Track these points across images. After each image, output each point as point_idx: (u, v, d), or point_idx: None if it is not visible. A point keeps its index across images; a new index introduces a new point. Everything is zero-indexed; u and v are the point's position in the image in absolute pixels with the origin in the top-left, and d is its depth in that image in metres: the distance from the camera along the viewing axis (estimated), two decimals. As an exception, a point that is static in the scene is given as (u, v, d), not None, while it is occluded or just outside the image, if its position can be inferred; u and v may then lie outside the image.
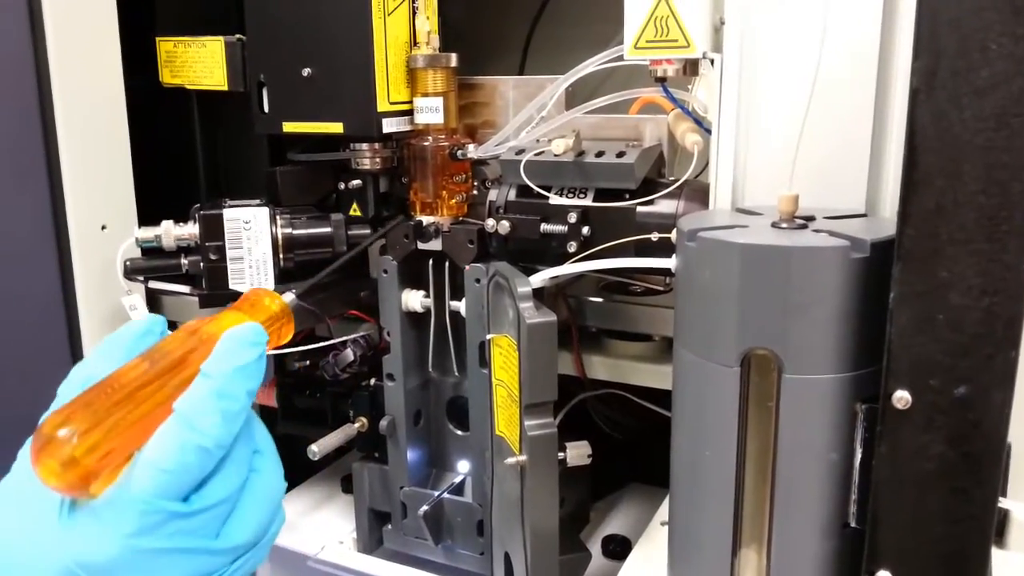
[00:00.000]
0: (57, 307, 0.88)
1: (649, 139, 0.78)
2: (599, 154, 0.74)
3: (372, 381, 0.90)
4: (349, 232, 0.84)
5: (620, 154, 0.73)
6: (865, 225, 0.54)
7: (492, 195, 0.81)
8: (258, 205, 0.83)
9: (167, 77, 0.90)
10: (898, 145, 0.53)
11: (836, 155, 0.58)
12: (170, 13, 0.93)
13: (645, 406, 0.84)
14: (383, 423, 0.87)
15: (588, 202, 0.76)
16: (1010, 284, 0.43)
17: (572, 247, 0.75)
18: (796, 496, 0.53)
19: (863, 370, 0.50)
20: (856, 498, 0.51)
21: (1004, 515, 0.55)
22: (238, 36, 0.85)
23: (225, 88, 0.87)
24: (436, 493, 0.88)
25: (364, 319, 0.91)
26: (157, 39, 0.90)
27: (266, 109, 0.83)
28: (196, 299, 0.86)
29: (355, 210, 0.86)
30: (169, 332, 0.48)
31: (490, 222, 0.79)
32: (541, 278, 0.73)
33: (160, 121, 0.96)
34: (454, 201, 0.81)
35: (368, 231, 0.85)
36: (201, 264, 0.82)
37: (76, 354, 0.89)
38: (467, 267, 0.81)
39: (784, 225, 0.53)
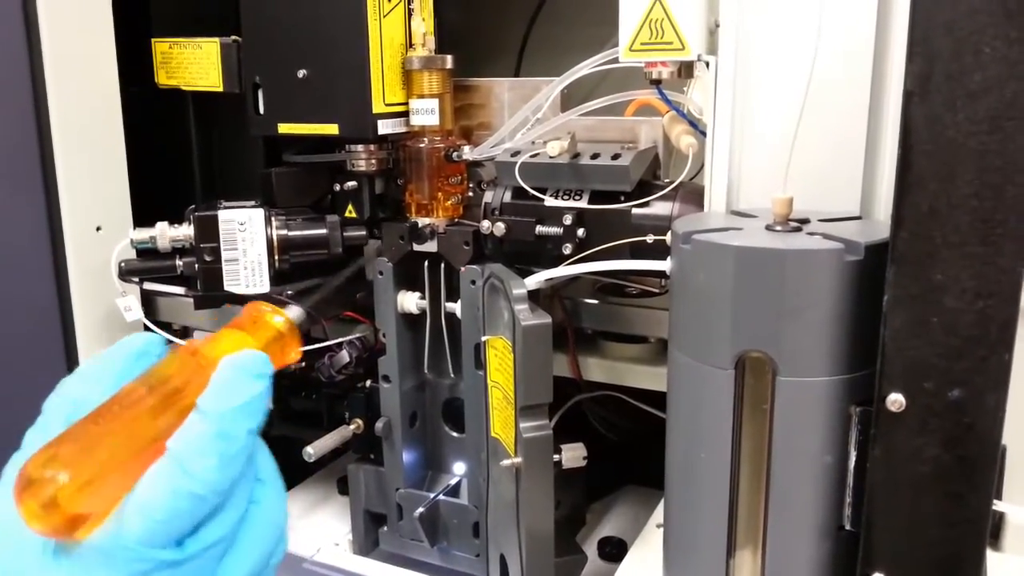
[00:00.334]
0: (52, 308, 0.88)
1: (644, 141, 0.78)
2: (594, 156, 0.74)
3: (368, 383, 0.90)
4: (344, 234, 0.84)
5: (615, 156, 0.73)
6: (859, 228, 0.54)
7: (487, 197, 0.81)
8: (253, 206, 0.83)
9: (162, 78, 0.90)
10: (892, 148, 0.53)
11: (831, 158, 0.58)
12: (165, 14, 0.93)
13: (641, 408, 0.84)
14: (379, 425, 0.87)
15: (583, 204, 0.76)
16: (1004, 287, 0.43)
17: (567, 249, 0.75)
18: (791, 499, 0.53)
19: (857, 373, 0.50)
20: (851, 501, 0.51)
21: (999, 518, 0.56)
22: (234, 37, 0.85)
23: (220, 89, 0.86)
24: (432, 495, 0.88)
25: (360, 320, 0.91)
26: (152, 40, 0.90)
27: (261, 110, 0.83)
28: (191, 300, 0.86)
29: (350, 212, 0.86)
30: (167, 350, 0.44)
31: (485, 224, 0.79)
32: (536, 280, 0.73)
33: (155, 122, 0.95)
34: (450, 203, 0.81)
35: (363, 233, 0.85)
36: (196, 265, 0.82)
37: (71, 355, 0.89)
38: (463, 269, 0.81)
39: (778, 228, 0.54)
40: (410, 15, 0.80)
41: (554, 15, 1.08)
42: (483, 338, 0.77)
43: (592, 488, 1.00)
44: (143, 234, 0.83)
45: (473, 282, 0.80)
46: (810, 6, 0.57)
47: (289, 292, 0.86)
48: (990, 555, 0.49)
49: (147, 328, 0.90)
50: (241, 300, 0.85)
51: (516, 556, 0.74)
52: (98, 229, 0.89)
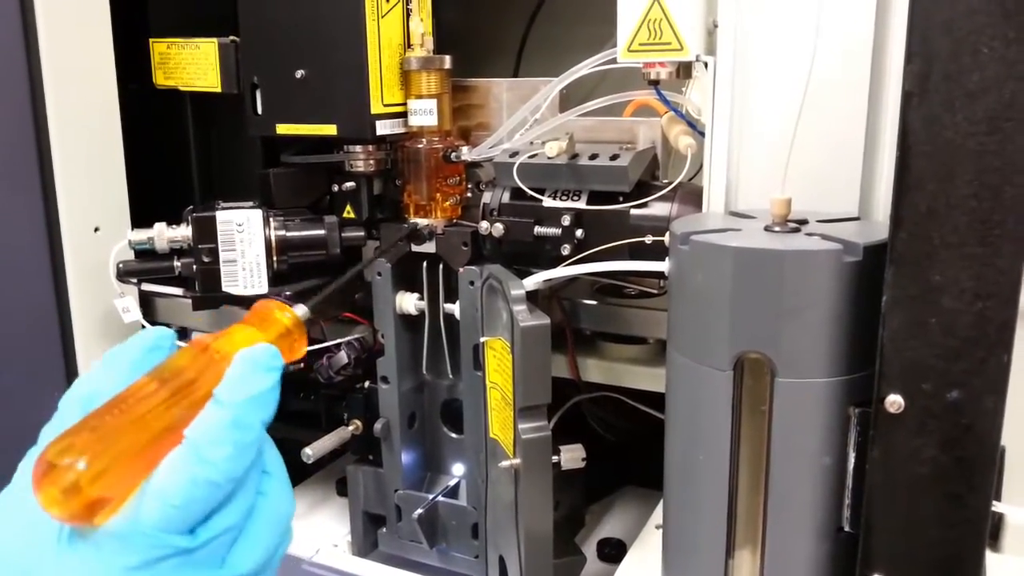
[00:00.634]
0: (50, 309, 0.87)
1: (643, 142, 0.78)
2: (593, 157, 0.74)
3: (366, 384, 0.90)
4: (343, 234, 0.84)
5: (614, 157, 0.73)
6: (858, 228, 0.54)
7: (486, 198, 0.81)
8: (251, 207, 0.82)
9: (160, 79, 0.90)
10: (891, 148, 0.53)
11: (829, 158, 0.58)
12: (163, 15, 0.93)
13: (639, 409, 0.84)
14: (377, 426, 0.87)
15: (582, 205, 0.75)
16: (1003, 288, 0.43)
17: (566, 250, 0.75)
18: (790, 500, 0.53)
19: (856, 374, 0.50)
20: (849, 502, 0.51)
21: (998, 519, 0.55)
22: (232, 38, 0.85)
23: (218, 90, 0.86)
24: (431, 496, 0.88)
25: (358, 321, 0.91)
26: (150, 41, 0.90)
27: (259, 111, 0.83)
28: (189, 301, 0.86)
29: (349, 212, 0.86)
30: (178, 345, 0.46)
31: (484, 225, 0.78)
32: (535, 281, 0.73)
33: (153, 123, 0.95)
34: (448, 203, 0.81)
35: (362, 233, 0.85)
36: (194, 266, 0.82)
37: (69, 356, 0.89)
38: (461, 270, 0.80)
39: (777, 228, 0.53)
40: (408, 15, 0.80)
41: (552, 15, 1.08)
42: (482, 339, 0.77)
43: (591, 489, 1.00)
44: (141, 235, 0.83)
45: (472, 283, 0.79)
46: (808, 6, 0.57)
47: (288, 293, 0.86)
48: (989, 556, 0.49)
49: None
50: (239, 301, 0.85)
51: (515, 557, 0.74)
52: (96, 230, 0.89)
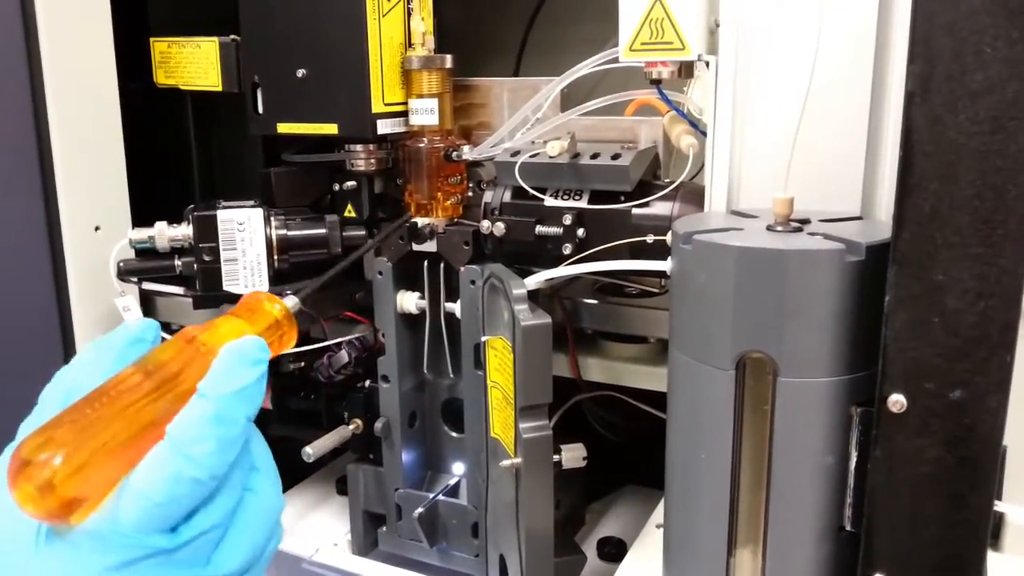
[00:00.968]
0: (50, 308, 0.87)
1: (644, 141, 0.78)
2: (594, 156, 0.74)
3: (367, 383, 0.90)
4: (344, 234, 0.84)
5: (615, 156, 0.73)
6: (860, 228, 0.54)
7: (487, 197, 0.81)
8: (252, 206, 0.82)
9: (161, 78, 0.90)
10: (893, 148, 0.53)
11: (831, 158, 0.58)
12: (164, 13, 0.93)
13: (640, 408, 0.84)
14: (378, 425, 0.87)
15: (583, 204, 0.75)
16: (1006, 287, 0.43)
17: (567, 249, 0.75)
18: (791, 499, 0.53)
19: (858, 373, 0.50)
20: (851, 502, 0.51)
21: (999, 518, 0.55)
22: (232, 37, 0.85)
23: (219, 89, 0.86)
24: (431, 495, 0.88)
25: (359, 320, 0.91)
26: (151, 40, 0.90)
27: (260, 110, 0.83)
28: (190, 300, 0.86)
29: (350, 211, 0.86)
30: (163, 337, 0.44)
31: (485, 224, 0.78)
32: (536, 280, 0.73)
33: (154, 122, 0.95)
34: (449, 203, 0.81)
35: (363, 232, 0.85)
36: (195, 265, 0.82)
37: (69, 355, 0.89)
38: (462, 269, 0.80)
39: (779, 228, 0.53)
40: (409, 14, 0.80)
41: (553, 14, 1.08)
42: (483, 338, 0.77)
43: (591, 488, 1.00)
44: (142, 234, 0.83)
45: (473, 282, 0.79)
46: (811, 6, 0.57)
47: (288, 292, 0.85)
48: (990, 555, 0.49)
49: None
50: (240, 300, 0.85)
51: (515, 556, 0.74)
52: (96, 229, 0.89)
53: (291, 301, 0.48)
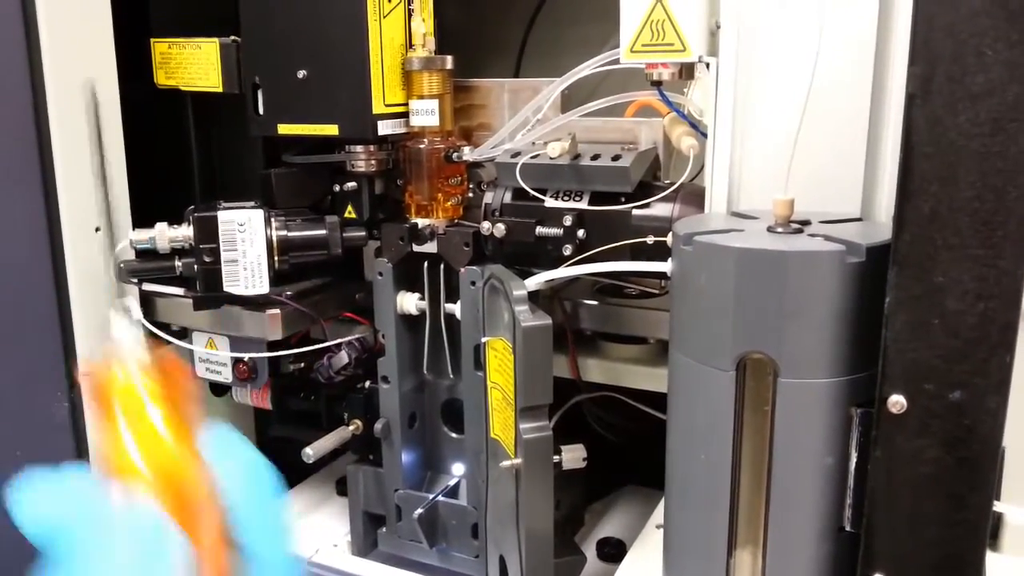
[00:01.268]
0: (51, 309, 0.87)
1: (645, 142, 0.78)
2: (595, 157, 0.74)
3: (367, 383, 0.90)
4: (344, 235, 0.84)
5: (616, 157, 0.73)
6: (861, 229, 0.54)
7: (488, 198, 0.81)
8: (253, 207, 0.82)
9: (161, 79, 0.90)
10: (894, 150, 0.53)
11: (832, 159, 0.59)
12: (165, 14, 0.93)
13: (640, 409, 0.84)
14: (378, 425, 0.87)
15: (584, 205, 0.76)
16: (1005, 289, 0.43)
17: (568, 250, 0.75)
18: (791, 500, 0.53)
19: (858, 374, 0.50)
20: (851, 502, 0.52)
21: (998, 519, 0.56)
22: (233, 38, 0.85)
23: (220, 90, 0.86)
24: (431, 496, 0.88)
25: (359, 321, 0.91)
26: (151, 41, 0.90)
27: (261, 111, 0.83)
28: (190, 301, 0.86)
29: (350, 212, 0.86)
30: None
31: (485, 225, 0.79)
32: (537, 281, 0.73)
33: (154, 123, 0.95)
34: (449, 204, 0.81)
35: (363, 233, 0.85)
36: (195, 266, 0.82)
37: (69, 356, 0.89)
38: (462, 270, 0.80)
39: (780, 229, 0.54)
40: (410, 15, 0.80)
41: (554, 15, 1.08)
42: (483, 339, 0.77)
43: (591, 489, 1.00)
44: (142, 235, 0.83)
45: (473, 283, 0.80)
46: (811, 8, 0.57)
47: (288, 293, 0.86)
48: (988, 555, 0.50)
49: (147, 328, 0.90)
50: (240, 301, 0.85)
51: (515, 557, 0.74)
52: (97, 230, 0.89)
53: (125, 335, 0.41)
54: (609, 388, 0.86)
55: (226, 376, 0.94)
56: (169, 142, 0.97)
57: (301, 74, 0.80)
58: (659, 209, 0.73)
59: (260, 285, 0.82)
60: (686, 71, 0.66)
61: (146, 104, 0.92)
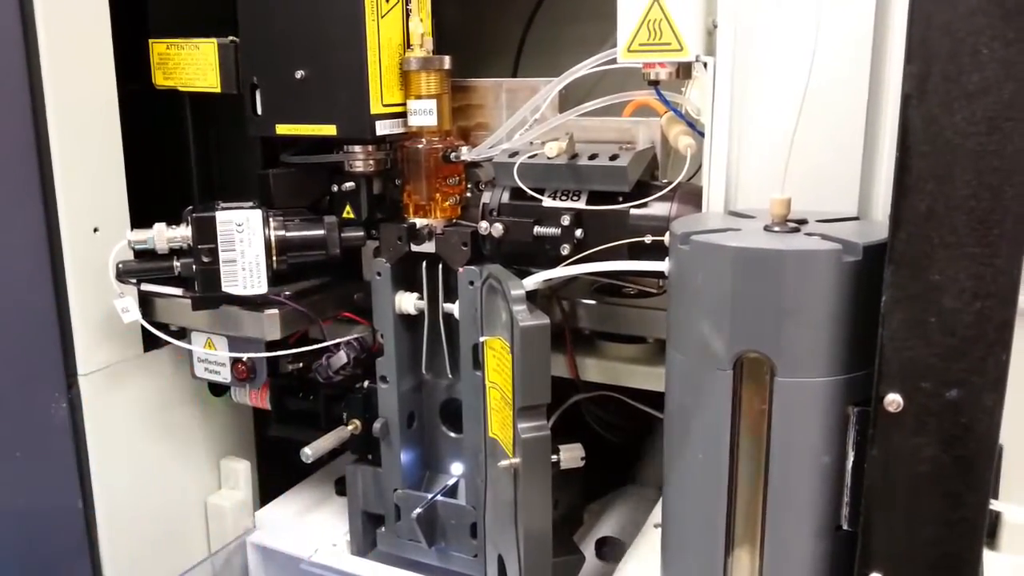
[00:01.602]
0: (49, 309, 0.87)
1: (642, 142, 0.78)
2: (592, 157, 0.74)
3: (365, 383, 0.90)
4: (342, 235, 0.84)
5: (613, 157, 0.74)
6: (857, 228, 0.54)
7: (485, 198, 0.81)
8: (251, 207, 0.82)
9: (160, 79, 0.90)
10: (890, 149, 0.54)
11: (828, 158, 0.59)
12: (163, 15, 0.93)
13: (638, 408, 0.84)
14: (376, 425, 0.87)
15: (581, 205, 0.76)
16: (1002, 287, 0.43)
17: (565, 250, 0.75)
18: (789, 499, 0.53)
19: (855, 373, 0.50)
20: (848, 501, 0.52)
21: (995, 517, 0.56)
22: (231, 38, 0.85)
23: (218, 90, 0.86)
24: (429, 495, 0.88)
25: (357, 321, 0.91)
26: (150, 41, 0.90)
27: (259, 111, 0.83)
28: (188, 301, 0.86)
29: (348, 212, 0.86)
30: None
31: (483, 224, 0.79)
32: (535, 281, 0.73)
33: (153, 123, 0.95)
34: (447, 203, 0.81)
35: (361, 233, 0.85)
36: (193, 266, 0.82)
37: (69, 356, 0.89)
38: (460, 269, 0.81)
39: (776, 228, 0.54)
40: (408, 16, 0.80)
41: (552, 15, 1.08)
42: (481, 339, 0.77)
43: (590, 488, 1.00)
44: (141, 235, 0.83)
45: (471, 283, 0.80)
46: (808, 7, 0.57)
47: (286, 293, 0.86)
48: (985, 553, 0.50)
49: (145, 329, 0.90)
50: (239, 301, 0.85)
51: (514, 556, 0.74)
52: (95, 230, 0.89)
53: None
54: (607, 387, 0.86)
55: (225, 376, 0.94)
56: (167, 142, 0.97)
57: (299, 74, 0.80)
58: (657, 208, 0.73)
59: (258, 285, 0.82)
60: (683, 70, 0.66)
61: (144, 105, 0.92)
